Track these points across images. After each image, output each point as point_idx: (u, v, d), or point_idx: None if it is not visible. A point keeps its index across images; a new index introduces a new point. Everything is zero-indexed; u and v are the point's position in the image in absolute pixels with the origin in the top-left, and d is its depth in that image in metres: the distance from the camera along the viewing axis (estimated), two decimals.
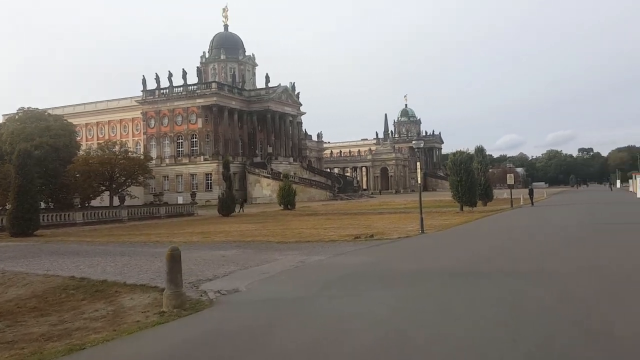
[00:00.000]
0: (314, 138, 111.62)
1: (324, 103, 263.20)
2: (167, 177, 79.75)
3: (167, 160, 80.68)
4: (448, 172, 41.10)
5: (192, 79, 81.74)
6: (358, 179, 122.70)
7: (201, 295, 8.98)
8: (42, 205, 37.11)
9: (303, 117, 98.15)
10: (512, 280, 9.30)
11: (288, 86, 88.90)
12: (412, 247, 15.68)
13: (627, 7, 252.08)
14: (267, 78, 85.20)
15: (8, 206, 29.24)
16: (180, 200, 62.40)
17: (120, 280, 10.96)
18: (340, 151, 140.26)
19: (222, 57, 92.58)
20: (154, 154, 79.81)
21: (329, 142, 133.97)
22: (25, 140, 40.71)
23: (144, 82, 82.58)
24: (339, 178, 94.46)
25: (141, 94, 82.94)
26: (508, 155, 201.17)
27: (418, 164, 22.04)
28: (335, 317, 7.03)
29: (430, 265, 11.57)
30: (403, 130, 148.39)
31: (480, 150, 43.32)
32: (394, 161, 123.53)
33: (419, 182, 21.56)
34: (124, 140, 79.15)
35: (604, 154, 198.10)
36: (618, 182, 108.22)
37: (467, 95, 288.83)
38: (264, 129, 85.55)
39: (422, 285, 9.06)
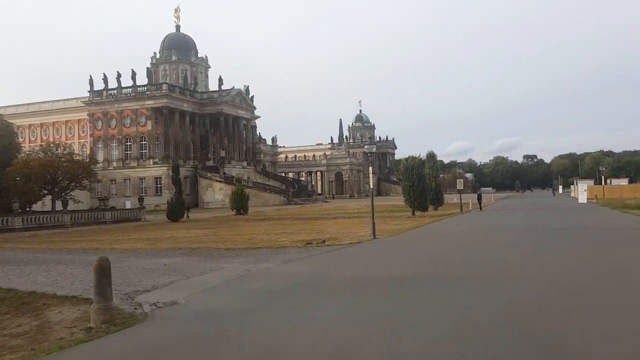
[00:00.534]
0: (269, 142, 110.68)
1: (279, 107, 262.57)
2: (115, 181, 77.04)
3: (115, 164, 77.95)
4: (401, 177, 41.38)
5: (142, 80, 79.56)
6: (313, 183, 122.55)
7: (135, 308, 8.33)
8: None
9: (257, 121, 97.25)
10: (461, 288, 9.09)
11: (242, 89, 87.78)
12: (363, 253, 15.40)
13: (574, 17, 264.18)
14: (221, 80, 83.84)
15: None
16: (128, 205, 60.23)
17: (50, 291, 10.16)
18: (295, 155, 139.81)
19: (174, 58, 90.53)
20: (101, 156, 77.10)
21: (283, 147, 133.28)
22: None
23: (91, 82, 79.63)
24: (293, 182, 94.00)
25: (88, 94, 79.89)
26: (458, 161, 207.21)
27: (370, 168, 21.89)
28: (278, 333, 6.55)
29: (380, 273, 11.26)
30: (357, 135, 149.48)
31: (431, 156, 43.91)
32: (348, 166, 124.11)
33: (371, 187, 21.41)
34: (69, 142, 76.10)
35: (547, 160, 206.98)
36: (560, 187, 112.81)
37: (420, 102, 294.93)
38: (217, 133, 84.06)
39: (371, 296, 8.70)
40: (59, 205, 44.46)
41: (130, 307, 8.46)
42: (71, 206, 44.29)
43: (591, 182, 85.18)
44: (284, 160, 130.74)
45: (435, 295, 8.51)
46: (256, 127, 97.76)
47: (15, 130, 50.06)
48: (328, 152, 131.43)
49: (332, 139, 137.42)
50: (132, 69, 78.24)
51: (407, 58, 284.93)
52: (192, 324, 7.18)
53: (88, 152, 74.97)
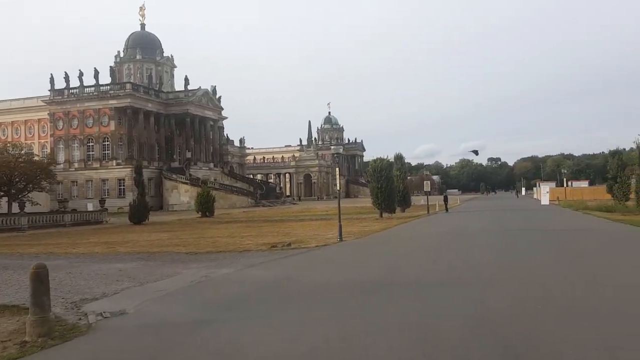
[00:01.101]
0: (237, 143, 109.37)
1: (248, 109, 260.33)
2: (76, 182, 74.63)
3: (77, 165, 75.52)
4: (369, 179, 41.29)
5: (105, 79, 77.43)
6: (281, 185, 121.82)
7: (80, 319, 7.68)
8: None
9: (225, 122, 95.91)
10: (428, 293, 8.73)
11: (209, 89, 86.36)
12: (329, 256, 14.97)
13: (537, 25, 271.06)
14: (187, 80, 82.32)
15: None
16: (90, 207, 58.33)
17: None
18: (264, 157, 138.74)
19: (138, 57, 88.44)
20: (62, 157, 74.71)
21: (252, 148, 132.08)
22: None
23: (51, 81, 76.91)
24: (261, 184, 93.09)
25: (49, 93, 77.20)
26: (425, 164, 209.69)
27: (337, 170, 21.53)
28: (232, 347, 6.01)
29: (345, 277, 10.81)
30: (326, 137, 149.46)
31: (399, 158, 43.97)
32: (317, 168, 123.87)
33: (338, 188, 21.04)
34: (29, 142, 73.47)
35: (511, 163, 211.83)
36: (523, 189, 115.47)
37: (389, 105, 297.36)
38: (183, 133, 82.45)
39: (335, 303, 8.22)
40: (15, 208, 42.67)
41: (74, 318, 7.80)
42: (29, 209, 42.52)
43: (553, 185, 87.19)
44: (252, 162, 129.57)
45: (401, 302, 8.11)
46: (223, 128, 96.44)
47: None
48: (297, 154, 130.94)
49: (300, 141, 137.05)
50: (95, 68, 76.20)
51: (376, 61, 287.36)
52: (137, 337, 6.58)
53: (48, 152, 72.48)
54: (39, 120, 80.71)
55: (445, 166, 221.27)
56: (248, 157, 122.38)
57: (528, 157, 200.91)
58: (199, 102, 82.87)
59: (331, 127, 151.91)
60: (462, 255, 13.94)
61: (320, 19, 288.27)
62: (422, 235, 22.02)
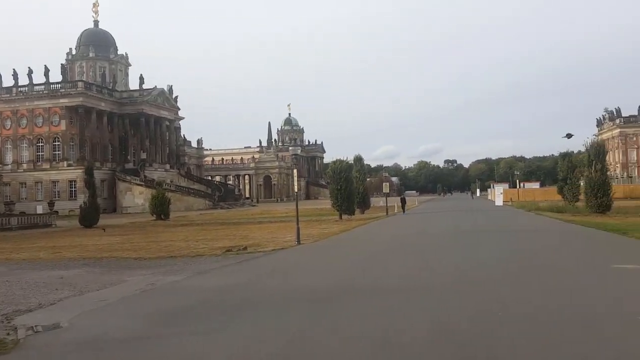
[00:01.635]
0: (194, 144, 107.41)
1: (206, 110, 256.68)
2: (25, 184, 71.38)
3: (25, 166, 72.24)
4: (329, 181, 41.15)
5: (56, 77, 74.38)
6: (241, 187, 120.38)
7: (8, 334, 6.99)
8: None
9: (182, 123, 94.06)
10: (385, 300, 8.43)
11: (165, 89, 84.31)
12: (285, 261, 14.54)
13: (493, 30, 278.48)
14: (142, 79, 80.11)
15: None
16: (39, 210, 55.79)
17: None
18: (223, 159, 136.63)
19: (91, 54, 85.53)
20: (9, 158, 71.66)
21: (210, 149, 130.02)
22: None
23: None
24: (219, 186, 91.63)
25: None
26: (385, 165, 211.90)
27: (294, 171, 21.18)
28: None
29: (300, 283, 10.36)
30: (286, 139, 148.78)
31: (358, 160, 44.02)
32: (277, 169, 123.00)
33: (296, 190, 20.68)
34: None
35: (466, 165, 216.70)
36: (478, 190, 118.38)
37: (350, 107, 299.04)
38: (138, 134, 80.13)
39: (286, 314, 7.76)
40: None
41: (2, 332, 7.11)
42: None
43: (506, 186, 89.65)
44: (210, 163, 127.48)
45: (358, 311, 7.76)
46: (180, 128, 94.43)
47: None
48: (257, 156, 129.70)
49: (260, 142, 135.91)
50: (45, 65, 73.00)
51: (336, 63, 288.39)
52: (67, 356, 6.00)
53: None
54: None
55: (404, 168, 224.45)
56: (206, 159, 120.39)
57: (483, 159, 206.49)
58: (154, 101, 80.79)
59: (291, 128, 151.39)
60: (420, 259, 13.78)
61: (280, 20, 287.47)
62: (379, 237, 21.93)
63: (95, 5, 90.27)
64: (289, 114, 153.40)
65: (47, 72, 72.83)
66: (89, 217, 38.58)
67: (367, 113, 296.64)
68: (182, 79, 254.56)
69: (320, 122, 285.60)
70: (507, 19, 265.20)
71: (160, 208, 45.38)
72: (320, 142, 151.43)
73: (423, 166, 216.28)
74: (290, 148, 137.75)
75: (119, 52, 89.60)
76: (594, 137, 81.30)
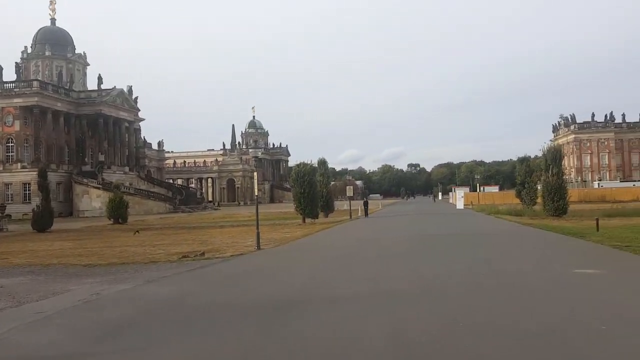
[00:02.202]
0: (155, 146, 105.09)
1: (169, 112, 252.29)
2: None
3: None
4: (292, 184, 40.83)
5: (11, 76, 71.72)
6: (203, 190, 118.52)
7: None
8: None
9: (143, 124, 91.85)
10: (345, 309, 8.08)
11: (125, 89, 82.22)
12: (243, 268, 14.00)
13: (456, 36, 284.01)
14: (100, 79, 77.86)
15: None
16: None
17: None
18: (185, 161, 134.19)
19: (48, 53, 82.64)
20: None
21: (172, 152, 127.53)
22: None
23: None
24: (181, 189, 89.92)
25: None
26: (349, 169, 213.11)
27: (255, 174, 20.70)
28: None
29: (256, 293, 9.86)
30: (251, 141, 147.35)
31: (322, 163, 43.90)
32: (241, 172, 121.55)
33: (256, 193, 20.22)
34: None
35: (428, 169, 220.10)
36: (440, 194, 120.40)
37: (315, 110, 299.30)
38: (96, 135, 77.74)
39: (236, 328, 7.18)
40: None
41: None
42: None
43: (467, 189, 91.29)
44: (172, 166, 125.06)
45: (313, 321, 7.38)
46: (140, 130, 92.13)
47: None
48: (220, 158, 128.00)
49: (224, 145, 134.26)
50: None
51: (302, 65, 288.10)
52: None
53: None
54: None
55: (368, 171, 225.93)
56: (168, 161, 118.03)
57: (444, 164, 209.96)
58: (113, 102, 78.63)
59: (256, 131, 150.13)
60: (381, 265, 13.52)
61: (244, 22, 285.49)
62: (341, 242, 21.65)
63: (52, 2, 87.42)
64: (254, 116, 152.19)
65: (0, 70, 70.00)
66: (41, 221, 37.00)
67: (333, 117, 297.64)
68: (144, 80, 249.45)
69: (286, 125, 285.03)
70: (461, 26, 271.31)
71: (117, 212, 44.05)
72: (285, 146, 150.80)
73: (387, 170, 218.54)
74: (250, 150, 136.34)
75: (76, 51, 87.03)
76: (550, 142, 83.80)
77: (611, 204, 43.43)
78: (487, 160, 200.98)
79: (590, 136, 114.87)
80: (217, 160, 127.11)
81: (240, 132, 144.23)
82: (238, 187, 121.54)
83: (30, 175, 66.39)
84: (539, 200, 36.99)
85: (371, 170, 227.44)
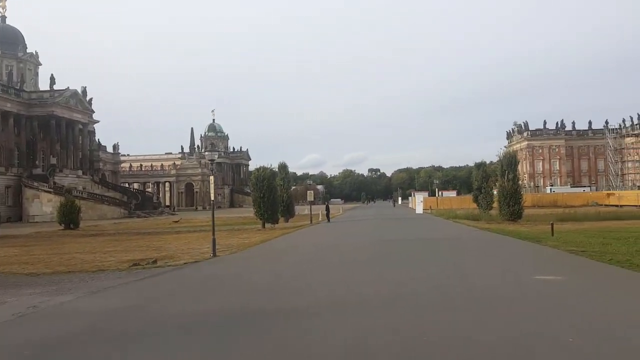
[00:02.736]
0: (110, 149, 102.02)
1: (125, 114, 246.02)
2: None
3: None
4: (252, 188, 40.13)
5: None
6: (160, 195, 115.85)
7: None
8: None
9: (98, 127, 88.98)
10: (297, 322, 7.72)
11: (78, 90, 79.47)
12: (196, 277, 13.34)
13: (414, 43, 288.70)
14: (53, 80, 74.94)
15: None
16: None
17: None
18: (141, 165, 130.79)
19: None
20: None
21: (128, 155, 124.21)
22: None
23: None
24: (137, 194, 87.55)
25: None
26: (311, 174, 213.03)
27: (211, 178, 20.05)
28: None
29: (206, 305, 9.31)
30: (210, 145, 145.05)
31: (283, 167, 43.37)
32: (200, 176, 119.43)
33: (212, 197, 19.57)
34: None
35: (389, 174, 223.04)
36: (399, 199, 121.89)
37: (277, 114, 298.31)
38: (48, 137, 74.74)
39: (183, 345, 6.66)
40: None
41: None
42: None
43: (426, 194, 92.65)
44: (128, 170, 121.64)
45: (266, 335, 6.94)
46: (95, 132, 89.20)
47: None
48: (178, 162, 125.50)
49: (182, 149, 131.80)
50: None
51: (263, 69, 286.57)
52: None
53: None
54: None
55: (329, 176, 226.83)
56: (123, 165, 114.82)
57: (404, 169, 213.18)
58: (66, 103, 75.84)
59: (215, 134, 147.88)
60: (341, 272, 13.13)
61: (204, 21, 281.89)
62: (301, 248, 21.24)
63: (2, 0, 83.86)
64: (213, 119, 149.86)
65: None
66: None
67: (294, 122, 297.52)
68: (100, 81, 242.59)
69: (247, 129, 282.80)
70: (429, 34, 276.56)
71: (69, 217, 42.25)
72: (245, 149, 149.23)
73: (348, 175, 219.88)
74: (206, 154, 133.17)
75: (28, 50, 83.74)
76: (504, 148, 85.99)
77: (563, 209, 44.74)
78: (445, 165, 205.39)
79: (542, 143, 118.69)
80: (174, 164, 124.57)
81: (200, 135, 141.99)
82: (197, 192, 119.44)
83: None
84: (495, 205, 37.66)
85: (332, 175, 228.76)
